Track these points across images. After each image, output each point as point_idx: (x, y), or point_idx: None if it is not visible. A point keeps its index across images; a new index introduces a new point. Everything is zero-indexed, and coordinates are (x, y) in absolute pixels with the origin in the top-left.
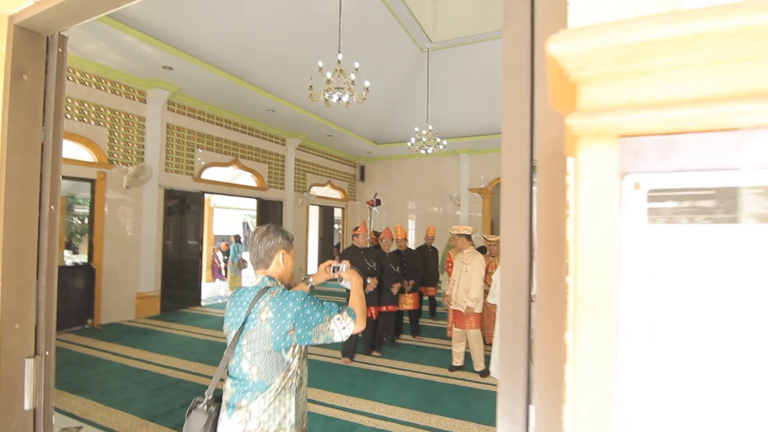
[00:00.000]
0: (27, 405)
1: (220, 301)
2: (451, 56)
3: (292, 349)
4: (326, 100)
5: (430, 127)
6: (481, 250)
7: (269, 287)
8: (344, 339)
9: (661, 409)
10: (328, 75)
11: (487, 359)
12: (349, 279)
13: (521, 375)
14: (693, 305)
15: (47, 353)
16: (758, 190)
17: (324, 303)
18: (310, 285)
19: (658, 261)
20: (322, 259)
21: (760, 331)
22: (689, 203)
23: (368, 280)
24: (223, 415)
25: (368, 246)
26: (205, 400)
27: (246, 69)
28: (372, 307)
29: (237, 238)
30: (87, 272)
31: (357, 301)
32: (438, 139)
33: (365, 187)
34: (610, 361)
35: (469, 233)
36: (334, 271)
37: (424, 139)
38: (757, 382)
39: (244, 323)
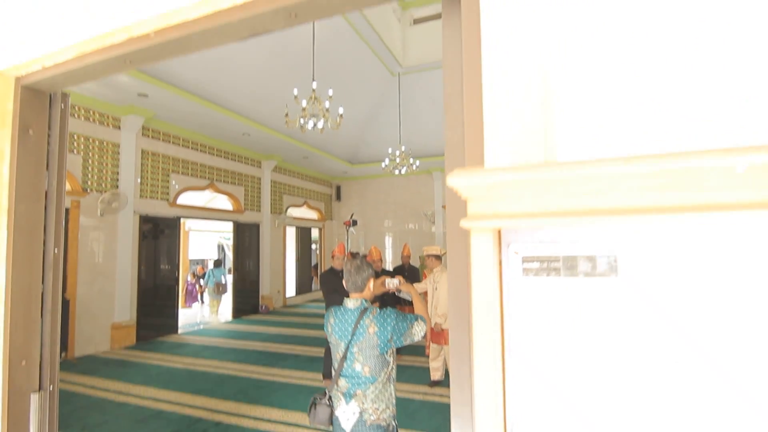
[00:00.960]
0: None
1: (198, 327)
2: (421, 79)
3: (390, 351)
4: (302, 126)
5: (403, 148)
6: None
7: (367, 308)
8: (422, 337)
9: (538, 405)
10: (303, 103)
11: None
12: (408, 290)
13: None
14: (552, 329)
15: (51, 387)
16: (585, 257)
17: (405, 315)
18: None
19: (529, 301)
20: (299, 280)
21: (603, 348)
22: (546, 264)
23: None
24: (340, 402)
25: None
26: (327, 396)
27: (221, 95)
28: None
29: (217, 263)
30: (62, 306)
31: (421, 307)
32: (411, 160)
33: (342, 207)
34: (499, 372)
35: (438, 253)
36: (389, 285)
37: (398, 160)
38: (601, 385)
39: (352, 335)
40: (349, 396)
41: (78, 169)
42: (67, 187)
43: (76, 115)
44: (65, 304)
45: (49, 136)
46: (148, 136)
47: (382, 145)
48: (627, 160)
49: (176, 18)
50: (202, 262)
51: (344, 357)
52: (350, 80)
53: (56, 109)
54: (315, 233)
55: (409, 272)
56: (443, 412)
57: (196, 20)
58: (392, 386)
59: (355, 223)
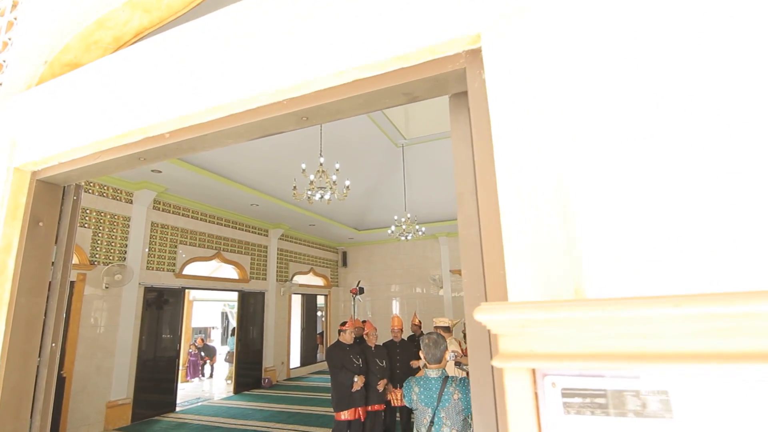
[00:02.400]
0: None
1: (199, 404)
2: (424, 150)
3: (470, 415)
4: (309, 198)
5: (409, 215)
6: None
7: (448, 376)
8: None
9: None
10: (311, 177)
11: None
12: (466, 362)
13: None
14: None
15: None
16: (632, 391)
17: None
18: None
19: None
20: (304, 349)
21: None
22: (590, 400)
23: (355, 378)
24: None
25: (353, 341)
26: None
27: (231, 168)
28: (359, 408)
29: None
30: (57, 383)
31: None
32: (417, 226)
33: (348, 273)
34: None
35: (447, 325)
36: (458, 366)
37: (404, 227)
38: None
39: (438, 402)
40: None
41: (87, 243)
42: (76, 260)
43: (90, 191)
44: (61, 382)
45: (59, 227)
46: (159, 209)
47: (388, 212)
48: (675, 302)
49: (191, 121)
50: (204, 332)
51: (432, 422)
52: (355, 153)
53: (68, 200)
54: (321, 300)
55: (419, 343)
56: None
57: (210, 123)
58: None
59: (362, 290)
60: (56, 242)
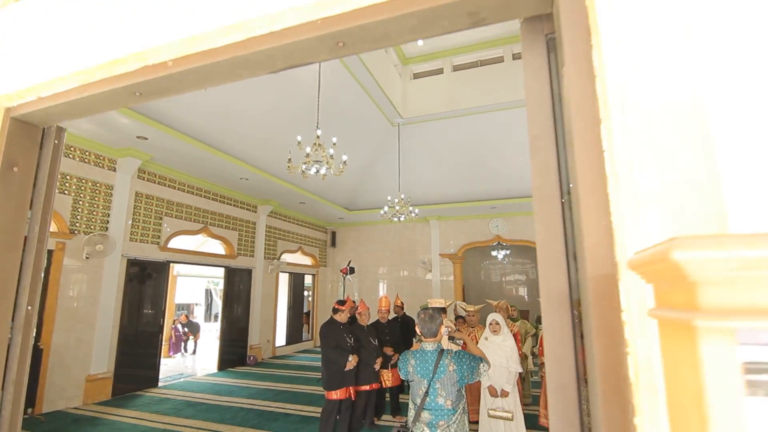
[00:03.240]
0: None
1: (182, 380)
2: (421, 130)
3: (464, 386)
4: (303, 172)
5: (402, 196)
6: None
7: (443, 349)
8: (484, 375)
9: None
10: (308, 150)
11: None
12: (461, 337)
13: None
14: None
15: None
16: None
17: (473, 356)
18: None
19: None
20: (290, 328)
21: None
22: None
23: (350, 358)
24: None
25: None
26: (410, 429)
27: (221, 139)
28: (351, 387)
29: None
30: (33, 355)
31: (476, 350)
32: (411, 208)
33: (337, 253)
34: None
35: (442, 306)
36: (451, 340)
37: (397, 208)
38: None
39: (434, 373)
40: (433, 427)
41: (67, 210)
42: (53, 227)
43: (70, 156)
44: (38, 354)
45: (37, 174)
46: (144, 179)
47: (380, 193)
48: None
49: (200, 45)
50: (188, 308)
51: (427, 393)
52: (351, 129)
53: (48, 144)
54: (308, 280)
55: (404, 323)
56: None
57: (224, 48)
58: (466, 416)
59: (352, 270)
60: (34, 192)
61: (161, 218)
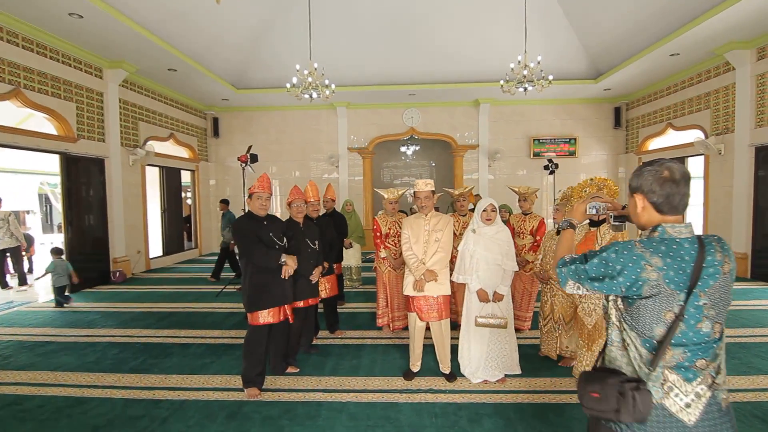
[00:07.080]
0: None
1: (10, 310)
2: None
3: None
4: None
5: (316, 65)
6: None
7: (700, 236)
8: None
9: None
10: None
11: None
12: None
13: None
14: None
15: None
16: None
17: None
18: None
19: None
20: (168, 236)
21: None
22: None
23: (283, 259)
24: (675, 384)
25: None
26: (639, 380)
27: None
28: (287, 305)
29: None
30: None
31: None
32: (327, 82)
33: (220, 145)
34: None
35: (432, 188)
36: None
37: (310, 79)
38: None
39: (697, 279)
40: (686, 371)
41: None
42: None
43: None
44: None
45: None
46: None
47: (278, 69)
48: None
49: None
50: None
51: (680, 315)
52: None
53: None
54: (186, 177)
55: (339, 221)
56: (446, 416)
57: None
58: None
59: (254, 158)
60: None
61: None
